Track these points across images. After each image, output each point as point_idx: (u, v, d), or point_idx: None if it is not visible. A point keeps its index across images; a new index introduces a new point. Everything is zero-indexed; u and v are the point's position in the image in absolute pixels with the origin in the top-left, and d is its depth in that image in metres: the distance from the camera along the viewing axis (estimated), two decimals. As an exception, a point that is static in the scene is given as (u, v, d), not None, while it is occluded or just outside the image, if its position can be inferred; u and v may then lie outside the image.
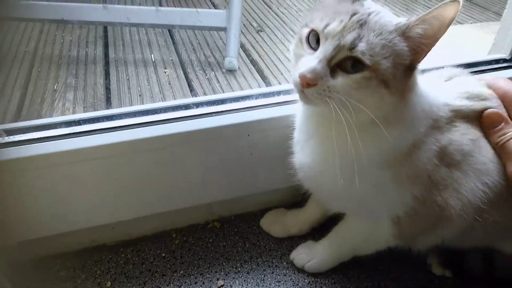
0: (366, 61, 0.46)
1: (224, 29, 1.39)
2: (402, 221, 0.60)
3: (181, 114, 0.68)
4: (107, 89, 1.31)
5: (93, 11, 1.42)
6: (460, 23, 1.73)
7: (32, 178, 0.63)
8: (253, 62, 1.47)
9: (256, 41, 1.61)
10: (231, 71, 1.39)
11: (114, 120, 0.69)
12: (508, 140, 0.58)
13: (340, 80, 0.48)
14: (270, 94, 0.69)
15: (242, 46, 1.54)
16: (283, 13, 1.85)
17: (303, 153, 0.61)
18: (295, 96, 0.55)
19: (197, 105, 0.67)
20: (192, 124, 0.67)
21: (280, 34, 1.66)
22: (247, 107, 0.67)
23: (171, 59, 1.47)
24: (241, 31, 1.54)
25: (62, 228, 0.70)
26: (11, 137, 0.63)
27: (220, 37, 1.60)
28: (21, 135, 0.63)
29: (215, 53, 1.51)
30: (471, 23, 1.74)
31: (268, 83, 1.34)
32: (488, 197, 0.57)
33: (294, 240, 0.78)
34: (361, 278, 0.73)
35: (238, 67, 1.40)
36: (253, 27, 1.72)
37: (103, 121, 0.69)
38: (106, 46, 1.54)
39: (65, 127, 0.66)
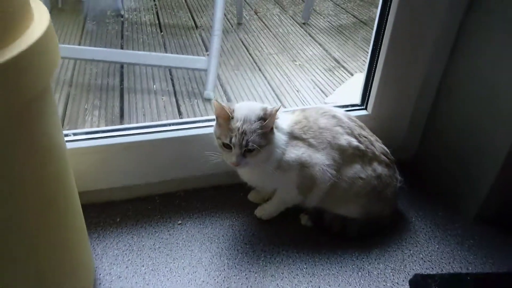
0: (256, 148, 1.04)
1: (205, 70, 1.98)
2: (299, 188, 1.16)
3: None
4: (121, 109, 1.89)
5: (114, 54, 2.03)
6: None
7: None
8: (226, 93, 2.05)
9: (232, 78, 2.19)
10: (208, 100, 1.97)
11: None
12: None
13: (249, 157, 1.04)
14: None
15: (220, 80, 2.12)
16: (256, 55, 2.43)
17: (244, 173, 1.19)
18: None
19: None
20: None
21: (250, 73, 2.24)
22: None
23: (167, 90, 2.06)
24: (221, 68, 2.14)
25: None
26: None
27: (205, 75, 2.18)
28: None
29: (199, 86, 2.10)
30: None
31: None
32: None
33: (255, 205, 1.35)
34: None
35: (214, 97, 1.98)
36: (231, 66, 2.30)
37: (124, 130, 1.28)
38: (121, 77, 2.13)
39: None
